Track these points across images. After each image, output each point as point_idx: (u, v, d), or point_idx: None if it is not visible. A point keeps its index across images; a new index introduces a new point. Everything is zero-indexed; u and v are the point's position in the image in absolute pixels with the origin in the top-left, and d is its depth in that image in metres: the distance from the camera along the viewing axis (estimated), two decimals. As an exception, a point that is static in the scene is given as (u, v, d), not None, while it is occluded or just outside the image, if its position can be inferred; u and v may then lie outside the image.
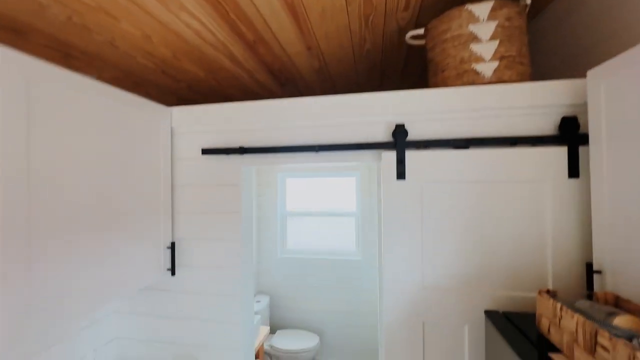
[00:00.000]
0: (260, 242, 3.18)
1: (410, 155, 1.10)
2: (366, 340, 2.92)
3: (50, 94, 0.84)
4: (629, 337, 0.58)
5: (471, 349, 1.05)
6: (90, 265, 0.95)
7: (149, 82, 1.62)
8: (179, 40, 1.21)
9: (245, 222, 1.33)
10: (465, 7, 1.08)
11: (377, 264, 1.41)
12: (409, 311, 1.09)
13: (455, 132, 1.11)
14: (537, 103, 1.03)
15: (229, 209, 1.30)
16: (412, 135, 1.13)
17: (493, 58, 1.09)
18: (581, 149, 0.98)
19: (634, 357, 0.50)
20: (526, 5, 1.11)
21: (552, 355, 0.69)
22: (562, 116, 1.02)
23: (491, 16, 1.07)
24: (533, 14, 1.37)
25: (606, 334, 0.56)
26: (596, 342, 0.58)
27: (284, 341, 2.66)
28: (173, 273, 1.31)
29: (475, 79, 1.11)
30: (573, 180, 0.99)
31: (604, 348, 0.56)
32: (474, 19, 1.09)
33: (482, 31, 1.07)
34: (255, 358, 2.32)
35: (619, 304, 0.74)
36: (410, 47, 1.47)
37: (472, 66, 1.11)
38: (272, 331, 3.05)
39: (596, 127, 0.88)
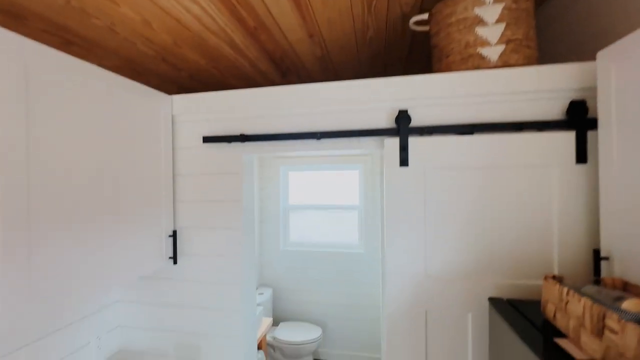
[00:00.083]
0: (262, 234, 3.18)
1: (413, 141, 1.08)
2: (369, 333, 2.92)
3: (49, 77, 0.83)
4: (638, 320, 0.56)
5: (474, 337, 1.03)
6: (90, 251, 0.95)
7: (150, 71, 1.61)
8: (179, 26, 1.20)
9: (247, 211, 1.33)
10: (471, -11, 1.06)
11: (380, 257, 1.40)
12: (412, 300, 1.08)
13: (460, 118, 1.08)
14: (544, 87, 1.00)
15: (230, 198, 1.29)
16: (415, 121, 1.11)
17: (499, 42, 1.06)
18: (589, 134, 0.96)
19: (643, 339, 0.49)
20: (534, -14, 1.08)
21: (558, 340, 0.68)
22: (570, 100, 0.99)
23: (498, -2, 1.04)
24: (540, 1, 1.33)
25: (615, 316, 0.54)
26: (604, 325, 0.57)
27: (287, 333, 2.67)
28: (175, 261, 1.31)
29: (480, 64, 1.08)
30: (581, 166, 0.96)
31: (612, 331, 0.55)
32: (479, 1, 1.06)
33: (488, 14, 1.04)
34: (258, 349, 2.33)
35: (627, 289, 0.72)
36: (414, 34, 1.44)
37: (478, 50, 1.08)
38: (275, 323, 3.06)
39: (606, 110, 0.86)
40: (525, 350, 0.68)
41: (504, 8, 1.04)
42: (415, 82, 1.10)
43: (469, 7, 1.07)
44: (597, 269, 0.90)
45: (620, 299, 0.64)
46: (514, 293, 1.00)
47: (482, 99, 1.06)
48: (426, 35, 1.44)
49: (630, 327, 0.51)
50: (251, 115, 1.27)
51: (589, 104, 0.97)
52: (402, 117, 1.09)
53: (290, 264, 3.09)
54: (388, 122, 1.15)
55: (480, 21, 1.06)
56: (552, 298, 0.74)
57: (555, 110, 1.01)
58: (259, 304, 2.70)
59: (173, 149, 1.35)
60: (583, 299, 0.63)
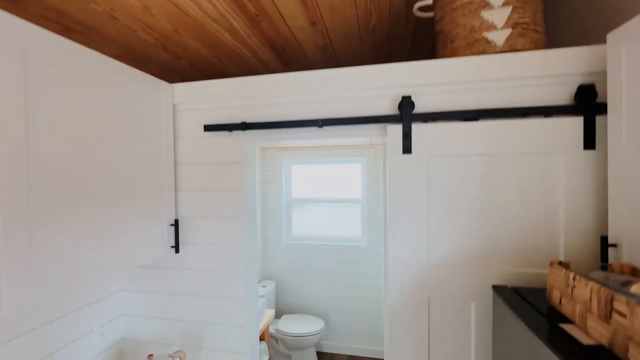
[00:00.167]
0: (265, 228, 3.18)
1: (416, 128, 1.06)
2: (371, 325, 2.93)
3: (48, 61, 0.82)
4: (648, 304, 0.55)
5: (478, 325, 1.02)
6: (92, 239, 0.95)
7: (151, 60, 1.59)
8: (179, 12, 1.18)
9: (248, 200, 1.32)
10: (477, -29, 1.03)
11: (383, 250, 1.39)
12: (414, 288, 1.07)
13: (464, 104, 1.06)
14: (552, 72, 0.98)
15: (232, 187, 1.29)
16: (418, 108, 1.09)
17: (505, 25, 1.03)
18: (598, 119, 0.93)
19: (653, 320, 0.47)
20: (542, -32, 1.05)
21: (564, 325, 0.66)
22: (578, 85, 0.96)
23: (504, -21, 1.01)
24: (547, -15, 1.30)
25: (623, 299, 0.53)
26: (612, 309, 0.55)
27: (290, 325, 2.68)
28: (177, 250, 1.31)
29: (486, 48, 1.06)
30: (588, 152, 0.94)
31: (621, 314, 0.53)
32: (485, -17, 1.03)
33: (494, -4, 1.02)
34: (260, 340, 2.34)
35: (636, 274, 0.71)
36: (418, 21, 1.41)
37: (483, 35, 1.05)
38: (278, 316, 3.07)
39: (616, 94, 0.83)
40: (530, 336, 0.67)
41: (510, -10, 1.01)
42: (419, 68, 1.08)
43: (474, -11, 1.04)
44: (604, 257, 0.89)
45: (628, 283, 0.63)
46: (518, 282, 0.99)
47: (488, 84, 1.04)
48: (430, 22, 1.41)
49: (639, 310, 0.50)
50: (252, 103, 1.26)
51: (598, 88, 0.95)
52: (406, 103, 1.07)
53: (293, 257, 3.10)
54: (391, 108, 1.13)
55: (486, 4, 1.03)
56: (558, 284, 0.73)
57: (562, 95, 0.99)
58: (261, 296, 2.71)
59: (174, 138, 1.34)
60: (590, 283, 0.61)
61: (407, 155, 1.07)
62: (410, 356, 1.08)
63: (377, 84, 1.11)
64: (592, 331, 0.60)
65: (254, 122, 1.22)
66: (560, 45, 1.25)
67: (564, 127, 0.96)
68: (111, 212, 1.01)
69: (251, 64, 1.74)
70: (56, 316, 1.14)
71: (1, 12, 0.71)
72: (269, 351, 2.48)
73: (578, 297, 0.65)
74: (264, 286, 2.90)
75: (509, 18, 1.02)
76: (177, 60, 1.62)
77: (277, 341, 2.69)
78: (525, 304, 0.79)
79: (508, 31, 1.03)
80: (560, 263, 0.76)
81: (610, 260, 0.83)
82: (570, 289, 0.68)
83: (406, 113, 1.07)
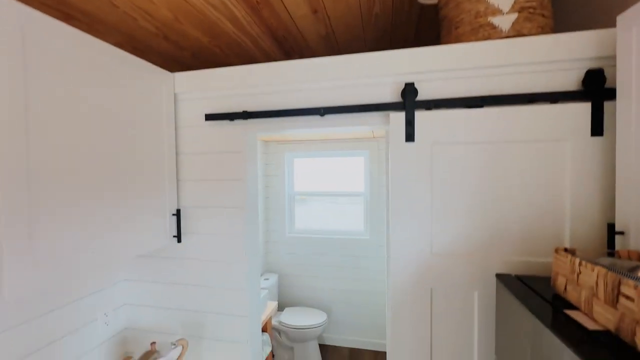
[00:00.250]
0: (268, 221, 3.18)
1: (419, 115, 1.05)
2: (374, 318, 2.93)
3: (47, 46, 0.81)
4: (656, 288, 0.53)
5: (480, 315, 1.01)
6: (94, 227, 0.94)
7: (152, 49, 1.58)
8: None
9: (250, 190, 1.31)
10: (483, -47, 1.00)
11: (385, 242, 1.38)
12: (417, 278, 1.06)
13: (469, 91, 1.04)
14: (559, 57, 0.95)
15: (234, 177, 1.28)
16: (422, 95, 1.07)
17: (512, 10, 1.01)
18: (606, 105, 0.91)
19: (663, 303, 0.46)
20: (550, -50, 1.02)
21: (569, 312, 0.65)
22: (586, 70, 0.94)
23: (511, -39, 0.98)
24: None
25: (631, 282, 0.52)
26: (619, 293, 0.54)
27: (292, 317, 2.69)
28: (179, 240, 1.31)
29: (491, 34, 1.03)
30: (596, 139, 0.92)
31: (628, 297, 0.52)
32: (491, -34, 1.00)
33: (500, -21, 0.99)
34: (263, 331, 2.36)
35: (643, 261, 0.69)
36: (422, 9, 1.39)
37: (489, 19, 1.03)
38: (280, 309, 3.09)
39: (625, 79, 0.81)
40: (535, 323, 0.65)
41: (517, -27, 0.99)
42: (422, 54, 1.06)
43: (480, -27, 1.02)
44: (611, 244, 0.87)
45: (636, 268, 0.61)
46: (522, 271, 0.98)
47: (493, 70, 1.02)
48: (434, 10, 1.38)
49: (648, 293, 0.49)
50: (254, 92, 1.24)
51: (607, 73, 0.92)
52: (409, 90, 1.05)
53: (295, 250, 3.10)
54: (394, 96, 1.11)
55: (492, -12, 1.01)
56: (563, 271, 0.71)
57: (570, 80, 0.97)
58: (264, 288, 2.73)
59: (176, 127, 1.34)
60: (597, 268, 0.60)
61: (409, 143, 1.06)
62: (413, 346, 1.08)
63: (380, 71, 1.09)
64: (598, 316, 0.59)
65: (255, 110, 1.21)
66: (567, 30, 1.22)
67: (571, 113, 0.93)
68: (113, 201, 1.01)
69: (252, 53, 1.73)
70: (60, 304, 1.15)
71: (-1, -5, 0.70)
72: (271, 343, 2.49)
73: (584, 283, 0.64)
74: (267, 279, 2.91)
75: (515, 2, 1.00)
76: (179, 51, 1.61)
77: (279, 333, 2.70)
78: (530, 291, 0.77)
79: (514, 15, 1.01)
80: (565, 250, 0.75)
81: (618, 247, 0.82)
82: (575, 275, 0.66)
83: (409, 100, 1.05)
